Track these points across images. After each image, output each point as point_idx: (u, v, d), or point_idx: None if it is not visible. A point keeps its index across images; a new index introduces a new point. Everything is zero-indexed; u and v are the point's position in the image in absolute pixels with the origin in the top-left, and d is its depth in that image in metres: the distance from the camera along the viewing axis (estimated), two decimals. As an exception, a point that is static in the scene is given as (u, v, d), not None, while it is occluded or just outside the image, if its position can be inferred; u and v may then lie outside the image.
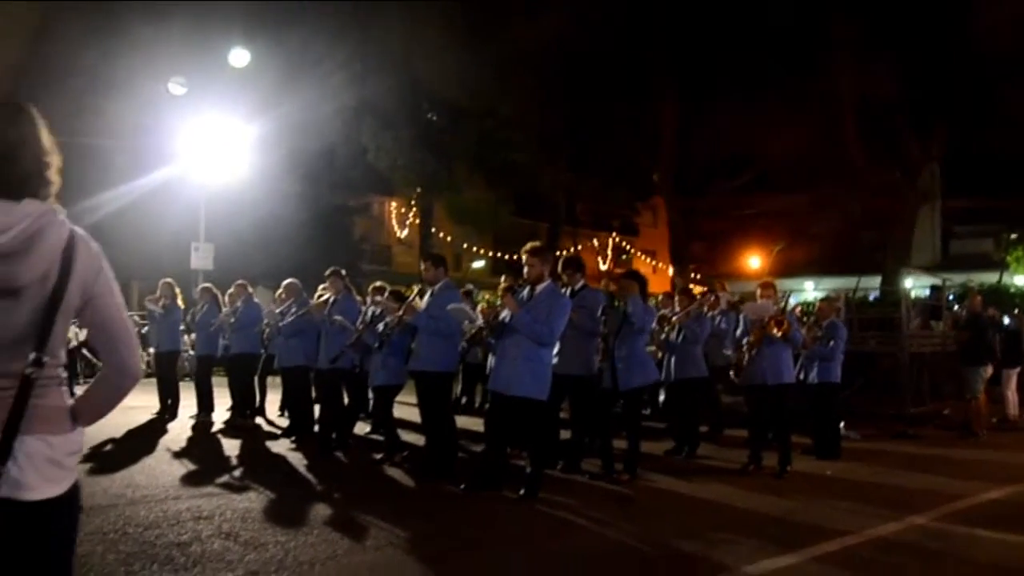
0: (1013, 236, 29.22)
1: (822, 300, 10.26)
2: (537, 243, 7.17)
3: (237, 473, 7.82)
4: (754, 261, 34.26)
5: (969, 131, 22.03)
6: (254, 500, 6.46)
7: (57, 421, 2.04)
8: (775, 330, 8.00)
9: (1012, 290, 19.91)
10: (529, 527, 5.83)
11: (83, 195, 21.43)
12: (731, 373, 9.53)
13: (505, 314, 6.83)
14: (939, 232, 34.57)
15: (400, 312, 7.71)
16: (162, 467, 7.84)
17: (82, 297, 2.06)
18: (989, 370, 11.73)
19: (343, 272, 9.61)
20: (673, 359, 9.42)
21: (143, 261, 22.94)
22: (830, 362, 9.35)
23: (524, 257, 6.95)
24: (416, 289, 8.02)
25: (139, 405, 12.53)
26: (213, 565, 4.72)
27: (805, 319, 9.62)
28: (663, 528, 5.87)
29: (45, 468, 1.98)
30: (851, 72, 20.08)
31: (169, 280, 12.20)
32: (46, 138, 2.12)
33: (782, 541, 5.45)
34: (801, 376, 9.45)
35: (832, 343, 9.28)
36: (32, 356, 1.97)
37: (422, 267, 7.92)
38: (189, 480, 7.28)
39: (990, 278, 22.24)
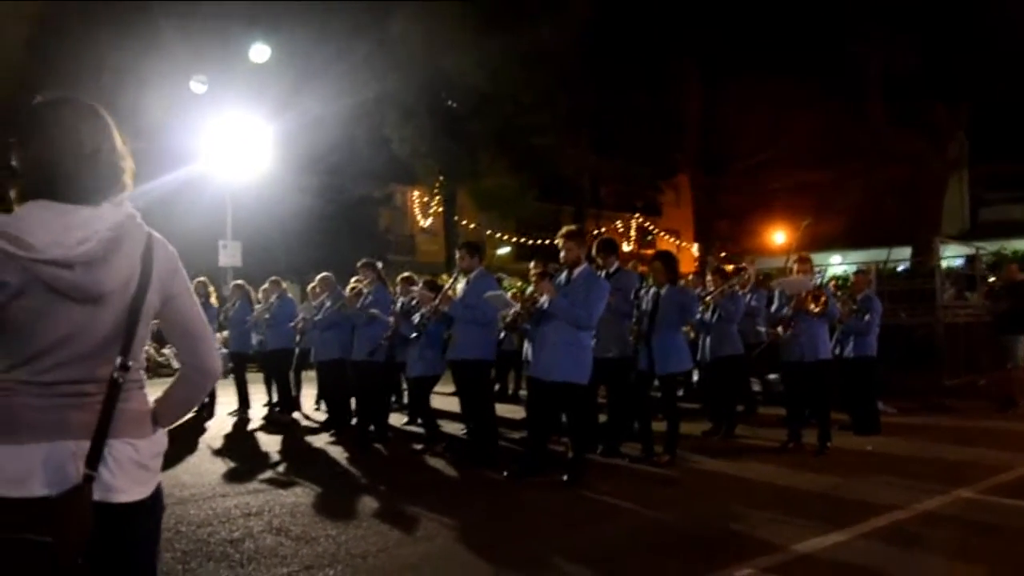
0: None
1: (857, 272, 10.15)
2: (573, 227, 7.20)
3: (281, 469, 7.90)
4: (779, 237, 33.98)
5: (996, 96, 21.70)
6: (300, 495, 6.53)
7: (141, 424, 2.09)
8: (812, 305, 7.96)
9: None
10: (575, 513, 5.86)
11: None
12: (752, 353, 9.55)
13: (543, 300, 6.84)
14: (968, 200, 34.16)
15: (436, 302, 7.75)
16: (206, 465, 7.93)
17: (161, 299, 2.09)
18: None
19: (376, 263, 9.66)
20: (708, 339, 9.42)
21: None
22: (866, 336, 9.29)
23: (560, 241, 6.96)
24: (450, 278, 8.04)
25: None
26: (267, 561, 4.78)
27: (839, 293, 9.54)
28: (708, 509, 5.88)
29: (133, 471, 2.02)
30: (876, 41, 19.81)
31: (203, 279, 12.29)
32: (120, 140, 2.12)
33: (829, 518, 5.44)
34: (837, 351, 9.41)
35: (868, 316, 9.21)
36: (119, 361, 2.00)
37: (457, 255, 7.94)
38: (234, 477, 7.37)
39: (1022, 245, 21.96)
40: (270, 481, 7.16)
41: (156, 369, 19.30)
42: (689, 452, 8.02)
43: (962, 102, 21.95)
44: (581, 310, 6.60)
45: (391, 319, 8.81)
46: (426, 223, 35.69)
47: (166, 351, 19.53)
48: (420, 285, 8.65)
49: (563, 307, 6.62)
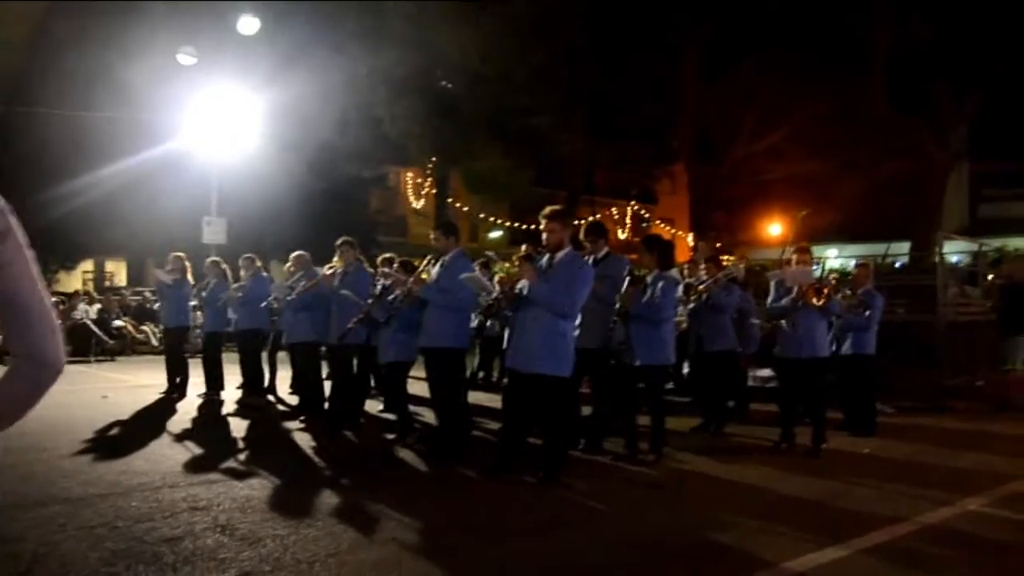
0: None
1: (858, 265, 9.67)
2: (557, 207, 6.63)
3: (242, 457, 7.43)
4: (775, 228, 33.53)
5: (1002, 89, 21.23)
6: (256, 487, 6.06)
7: None
8: (815, 299, 7.49)
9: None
10: (548, 515, 5.39)
11: (94, 167, 21.18)
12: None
13: (523, 284, 6.35)
14: (968, 196, 33.72)
15: (409, 284, 7.27)
16: (164, 451, 7.45)
17: None
18: None
19: (354, 242, 9.18)
20: (700, 330, 8.94)
21: (155, 236, 22.68)
22: (866, 332, 8.82)
23: (543, 222, 6.46)
24: (426, 260, 7.52)
25: (149, 384, 12.25)
26: (204, 564, 4.31)
27: (839, 287, 9.06)
28: (694, 516, 5.42)
29: None
30: (882, 18, 19.21)
31: (180, 253, 11.82)
32: None
33: (826, 530, 4.99)
34: (834, 348, 8.97)
35: (868, 312, 8.74)
36: None
37: (432, 236, 7.44)
38: (191, 465, 6.89)
39: (1022, 243, 21.58)
40: (227, 471, 6.67)
41: (133, 347, 18.86)
42: (676, 450, 7.56)
43: (969, 89, 21.41)
44: (563, 297, 6.11)
45: (370, 301, 8.33)
46: (418, 204, 35.20)
47: (144, 328, 19.05)
48: (395, 266, 8.16)
49: (543, 293, 6.14)
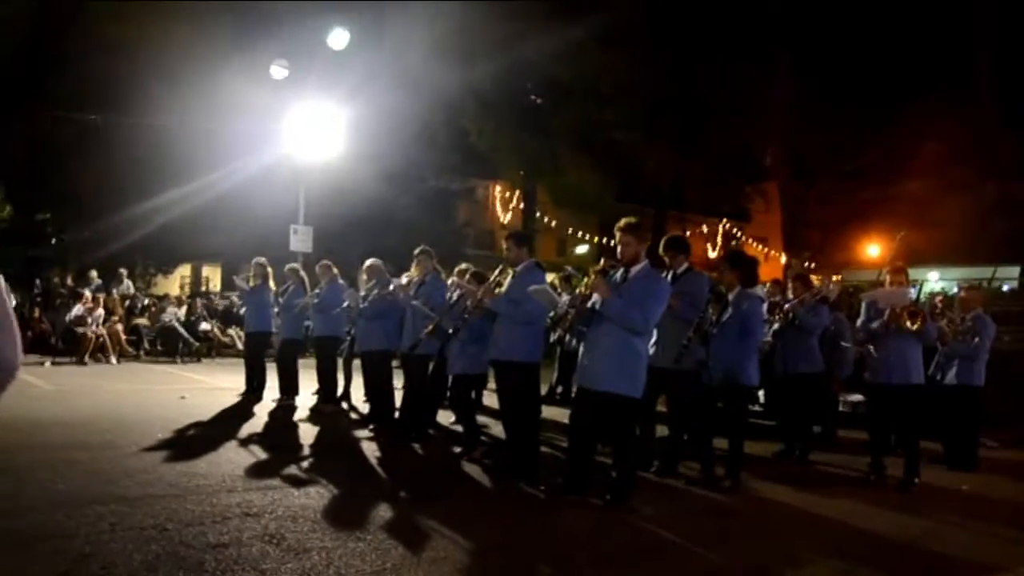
0: None
1: (968, 288, 9.01)
2: (632, 219, 6.33)
3: (305, 464, 7.31)
4: (873, 249, 32.33)
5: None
6: (312, 496, 5.91)
7: None
8: (908, 322, 6.98)
9: None
10: (610, 543, 5.08)
11: (190, 178, 21.82)
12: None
13: (595, 299, 6.08)
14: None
15: (479, 295, 7.06)
16: (228, 455, 7.40)
17: None
18: None
19: (431, 252, 9.06)
20: (784, 351, 8.47)
21: (248, 243, 23.15)
22: (974, 361, 8.20)
23: (617, 235, 6.18)
24: (498, 270, 7.29)
25: (228, 387, 12.37)
26: (244, 574, 4.16)
27: (943, 311, 8.47)
28: (766, 552, 5.03)
29: None
30: (988, 30, 18.30)
31: (261, 260, 11.94)
32: None
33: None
34: (938, 376, 8.38)
35: (977, 340, 8.12)
36: None
37: (504, 246, 7.21)
38: (252, 471, 6.80)
39: None
40: (286, 478, 6.57)
41: (219, 349, 19.20)
42: (755, 477, 7.15)
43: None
44: (636, 313, 5.81)
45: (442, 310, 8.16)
46: (506, 218, 35.20)
47: (231, 331, 19.38)
48: (468, 277, 7.97)
49: (616, 308, 5.84)
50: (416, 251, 9.08)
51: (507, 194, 34.77)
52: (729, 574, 4.63)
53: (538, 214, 32.48)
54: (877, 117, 21.27)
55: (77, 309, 16.30)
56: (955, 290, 12.52)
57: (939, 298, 9.97)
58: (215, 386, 13.05)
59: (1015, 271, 19.82)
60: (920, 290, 7.48)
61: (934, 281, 24.70)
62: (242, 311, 13.00)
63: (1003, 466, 8.44)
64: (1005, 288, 18.31)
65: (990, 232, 23.88)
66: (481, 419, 9.83)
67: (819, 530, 5.68)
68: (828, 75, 21.47)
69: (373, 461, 7.55)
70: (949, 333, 8.06)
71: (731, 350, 6.86)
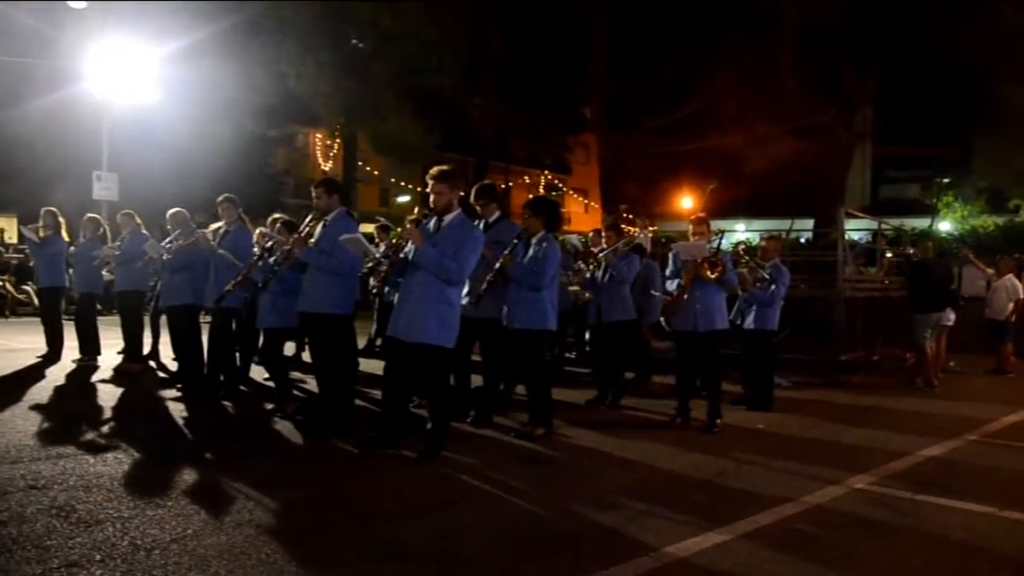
0: (946, 181, 29.33)
1: (768, 238, 9.51)
2: (444, 167, 6.19)
3: (104, 429, 6.86)
4: (687, 201, 33.77)
5: (903, 73, 21.69)
6: (109, 463, 5.54)
7: None
8: (708, 272, 7.30)
9: (942, 235, 19.81)
10: (423, 495, 5.05)
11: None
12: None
13: (408, 248, 5.96)
14: (869, 177, 34.64)
15: (288, 245, 6.79)
16: (15, 422, 6.82)
17: None
18: (940, 317, 11.28)
19: (235, 199, 8.64)
20: (599, 300, 8.66)
21: (46, 193, 21.40)
22: (769, 307, 8.70)
23: (429, 183, 6.04)
24: (308, 219, 7.01)
25: (25, 347, 11.50)
26: (23, 554, 3.82)
27: (746, 259, 8.90)
28: (579, 496, 5.14)
29: None
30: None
31: (52, 208, 11.04)
32: None
33: (711, 513, 4.78)
34: (737, 321, 8.85)
35: (774, 287, 8.60)
36: None
37: (313, 193, 6.94)
38: (44, 437, 6.31)
39: (920, 223, 22.20)
40: (82, 444, 6.12)
41: (14, 307, 17.79)
42: (570, 424, 7.33)
43: (872, 69, 21.78)
44: (450, 262, 5.74)
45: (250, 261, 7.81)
46: (327, 167, 34.29)
47: (26, 287, 17.97)
48: (278, 226, 7.65)
49: (429, 257, 5.76)
50: (219, 199, 8.65)
51: (327, 142, 33.83)
52: (533, 517, 4.70)
53: (360, 163, 31.81)
54: (691, 72, 22.01)
55: None
56: (757, 240, 13.27)
57: (742, 247, 10.49)
58: (10, 347, 12.06)
59: (811, 223, 21.19)
60: (721, 240, 7.77)
61: (740, 232, 26.13)
62: (31, 265, 12.05)
63: (795, 405, 9.06)
64: (803, 240, 19.56)
65: (790, 187, 25.43)
66: (298, 375, 9.61)
67: (629, 472, 5.86)
68: (644, 30, 21.98)
69: (179, 422, 7.20)
70: (749, 280, 8.48)
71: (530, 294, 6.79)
